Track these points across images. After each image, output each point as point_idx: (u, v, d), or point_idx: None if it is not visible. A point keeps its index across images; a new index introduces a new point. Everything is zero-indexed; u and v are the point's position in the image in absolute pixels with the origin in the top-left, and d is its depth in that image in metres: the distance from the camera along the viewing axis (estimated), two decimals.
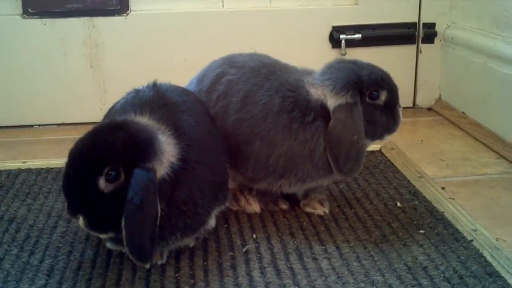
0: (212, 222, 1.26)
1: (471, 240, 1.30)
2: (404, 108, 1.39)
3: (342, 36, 2.21)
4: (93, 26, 2.13)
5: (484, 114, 1.99)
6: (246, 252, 1.28)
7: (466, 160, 1.82)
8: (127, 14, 2.14)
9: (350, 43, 2.22)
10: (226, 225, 1.40)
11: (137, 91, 1.29)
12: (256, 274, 1.19)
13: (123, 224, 1.04)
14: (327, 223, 1.41)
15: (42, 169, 1.73)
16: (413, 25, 2.26)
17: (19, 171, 1.72)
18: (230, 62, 1.47)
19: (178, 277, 1.19)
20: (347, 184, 1.61)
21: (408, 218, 1.41)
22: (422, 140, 2.00)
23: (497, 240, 1.31)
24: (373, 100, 1.32)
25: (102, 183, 1.06)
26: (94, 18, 2.12)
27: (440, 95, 2.33)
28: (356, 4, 2.23)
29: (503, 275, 1.17)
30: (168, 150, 1.11)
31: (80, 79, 2.17)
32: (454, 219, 1.40)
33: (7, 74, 2.13)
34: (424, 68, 2.31)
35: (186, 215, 1.14)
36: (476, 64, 2.03)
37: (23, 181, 1.65)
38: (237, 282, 1.17)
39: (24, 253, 1.28)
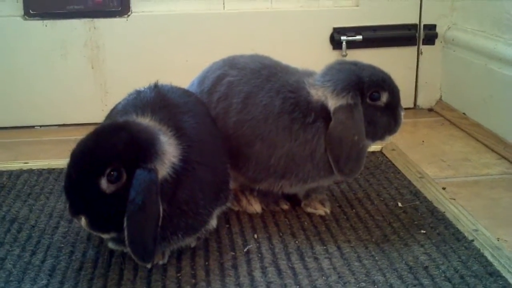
0: (213, 222, 1.26)
1: (472, 240, 1.30)
2: (405, 109, 1.39)
3: (343, 38, 2.21)
4: (94, 28, 2.13)
5: (485, 115, 1.99)
6: (248, 252, 1.28)
7: (467, 160, 1.82)
8: (128, 15, 2.14)
9: (351, 45, 2.22)
10: (227, 225, 1.40)
11: (138, 92, 1.29)
12: (257, 274, 1.19)
13: (125, 224, 1.04)
14: (328, 223, 1.41)
15: (43, 169, 1.74)
16: (414, 27, 2.27)
17: (21, 172, 1.72)
18: (231, 63, 1.47)
19: (180, 277, 1.19)
20: (348, 184, 1.61)
21: (409, 218, 1.42)
22: (423, 141, 2.00)
23: (498, 240, 1.31)
24: (374, 101, 1.32)
25: (104, 183, 1.06)
26: (95, 20, 2.12)
27: (441, 96, 2.33)
28: (357, 6, 2.24)
29: (504, 274, 1.17)
30: (169, 150, 1.12)
31: (81, 80, 2.17)
32: (455, 219, 1.40)
33: (9, 75, 2.14)
34: (425, 69, 2.32)
35: (187, 215, 1.15)
36: (477, 66, 2.03)
37: (24, 181, 1.66)
38: (239, 282, 1.17)
39: (26, 253, 1.28)
